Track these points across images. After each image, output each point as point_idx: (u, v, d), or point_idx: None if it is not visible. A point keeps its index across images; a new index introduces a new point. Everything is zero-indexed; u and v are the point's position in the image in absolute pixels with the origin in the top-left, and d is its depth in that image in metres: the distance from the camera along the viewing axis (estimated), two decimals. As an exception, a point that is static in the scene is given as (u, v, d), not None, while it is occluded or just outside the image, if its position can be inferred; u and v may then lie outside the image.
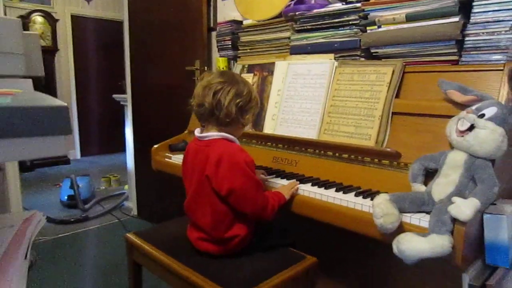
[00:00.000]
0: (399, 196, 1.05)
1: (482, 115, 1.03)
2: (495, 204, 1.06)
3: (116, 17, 5.82)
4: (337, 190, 1.23)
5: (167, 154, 1.86)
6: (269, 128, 1.67)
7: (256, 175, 1.23)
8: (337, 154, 1.39)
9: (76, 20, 5.77)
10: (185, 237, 1.33)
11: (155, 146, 1.91)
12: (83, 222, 3.16)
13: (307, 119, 1.54)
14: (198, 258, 1.25)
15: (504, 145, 1.00)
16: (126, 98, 3.24)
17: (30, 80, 0.82)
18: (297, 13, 1.68)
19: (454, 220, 0.93)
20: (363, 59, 1.50)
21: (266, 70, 1.79)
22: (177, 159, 1.75)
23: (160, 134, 2.07)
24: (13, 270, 0.56)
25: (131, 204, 3.39)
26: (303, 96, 1.58)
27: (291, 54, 1.73)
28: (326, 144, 1.41)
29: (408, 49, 1.36)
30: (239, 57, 2.05)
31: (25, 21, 4.99)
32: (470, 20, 1.22)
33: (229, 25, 2.10)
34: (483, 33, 1.19)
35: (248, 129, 1.67)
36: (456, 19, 1.23)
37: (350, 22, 1.51)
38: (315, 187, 1.28)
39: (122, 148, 3.86)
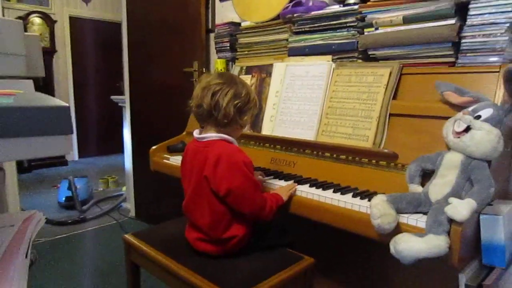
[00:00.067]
0: (396, 197, 1.05)
1: (479, 117, 1.04)
2: (491, 204, 1.07)
3: (114, 18, 5.82)
4: (334, 191, 1.24)
5: (165, 155, 1.86)
6: (267, 129, 1.67)
7: (254, 176, 1.24)
8: (334, 155, 1.39)
9: (74, 22, 5.76)
10: (183, 237, 1.33)
11: (154, 147, 1.92)
12: (81, 224, 3.16)
13: (305, 120, 1.54)
14: (196, 258, 1.25)
15: (500, 146, 1.01)
16: (124, 100, 3.24)
17: (31, 80, 0.82)
18: (295, 15, 1.69)
19: (451, 221, 0.93)
20: (360, 60, 1.51)
21: (264, 72, 1.80)
22: (175, 160, 1.76)
23: (158, 135, 2.07)
24: (14, 268, 0.57)
25: (129, 206, 3.39)
26: (301, 97, 1.58)
27: (289, 55, 1.74)
28: (324, 145, 1.42)
29: (405, 51, 1.37)
30: (237, 58, 2.05)
31: (23, 22, 4.97)
32: (467, 22, 1.23)
33: (227, 27, 2.11)
34: (479, 35, 1.20)
35: (246, 130, 1.67)
36: (452, 21, 1.24)
37: (348, 24, 1.52)
38: (313, 188, 1.28)
39: (120, 149, 3.86)
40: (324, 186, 1.28)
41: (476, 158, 1.02)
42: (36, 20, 5.25)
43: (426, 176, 1.14)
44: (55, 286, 2.16)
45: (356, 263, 1.59)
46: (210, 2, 2.45)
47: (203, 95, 1.21)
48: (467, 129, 1.03)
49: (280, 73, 1.69)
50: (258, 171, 1.45)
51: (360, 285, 1.60)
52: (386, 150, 1.26)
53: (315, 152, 1.45)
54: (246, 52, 2.00)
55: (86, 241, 2.86)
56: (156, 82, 2.88)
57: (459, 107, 1.13)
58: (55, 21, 5.46)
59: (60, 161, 5.37)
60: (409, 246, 0.94)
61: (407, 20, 1.34)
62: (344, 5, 1.55)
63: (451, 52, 1.27)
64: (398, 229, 1.02)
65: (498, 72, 1.15)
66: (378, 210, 1.01)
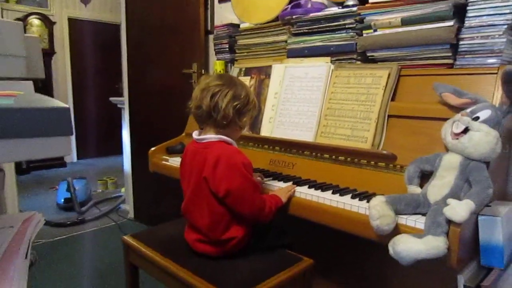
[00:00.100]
0: (395, 198, 1.06)
1: (477, 118, 1.04)
2: (489, 206, 1.07)
3: (113, 19, 5.82)
4: (333, 193, 1.24)
5: (164, 156, 1.86)
6: (266, 130, 1.67)
7: (253, 177, 1.24)
8: (333, 157, 1.40)
9: (73, 23, 5.77)
10: (182, 238, 1.33)
11: (153, 148, 1.92)
12: (80, 225, 3.15)
13: (304, 122, 1.55)
14: (195, 259, 1.25)
15: (498, 147, 1.02)
16: (123, 101, 3.24)
17: (31, 82, 0.83)
18: (294, 16, 1.69)
19: (450, 222, 0.94)
20: (359, 62, 1.52)
21: (263, 73, 1.80)
22: (174, 161, 1.76)
23: (157, 137, 2.07)
24: (14, 268, 0.57)
25: (128, 207, 3.38)
26: (300, 99, 1.59)
27: (288, 57, 1.74)
28: (323, 147, 1.42)
29: (404, 52, 1.37)
30: (236, 60, 2.06)
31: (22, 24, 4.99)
32: (465, 24, 1.23)
33: (226, 28, 2.11)
34: (477, 37, 1.21)
35: (246, 131, 1.67)
36: (450, 23, 1.25)
37: (347, 26, 1.52)
38: (312, 190, 1.29)
39: (119, 151, 3.85)
40: (323, 187, 1.28)
41: (474, 159, 1.03)
42: (35, 21, 5.25)
43: (425, 177, 1.15)
44: (55, 287, 2.16)
45: (355, 264, 1.59)
46: (209, 3, 2.45)
47: (202, 96, 1.21)
48: (466, 130, 1.04)
49: (279, 75, 1.70)
50: (257, 173, 1.46)
51: (359, 286, 1.60)
52: (384, 152, 1.26)
53: (314, 154, 1.45)
54: (245, 54, 2.01)
55: (85, 242, 2.86)
56: (155, 84, 2.89)
57: (457, 109, 1.14)
58: (54, 23, 5.46)
59: (58, 162, 5.36)
60: (407, 247, 0.94)
61: (405, 22, 1.34)
62: (343, 7, 1.55)
63: (449, 54, 1.28)
64: (397, 230, 1.02)
65: (496, 73, 1.15)
66: (377, 211, 1.01)
